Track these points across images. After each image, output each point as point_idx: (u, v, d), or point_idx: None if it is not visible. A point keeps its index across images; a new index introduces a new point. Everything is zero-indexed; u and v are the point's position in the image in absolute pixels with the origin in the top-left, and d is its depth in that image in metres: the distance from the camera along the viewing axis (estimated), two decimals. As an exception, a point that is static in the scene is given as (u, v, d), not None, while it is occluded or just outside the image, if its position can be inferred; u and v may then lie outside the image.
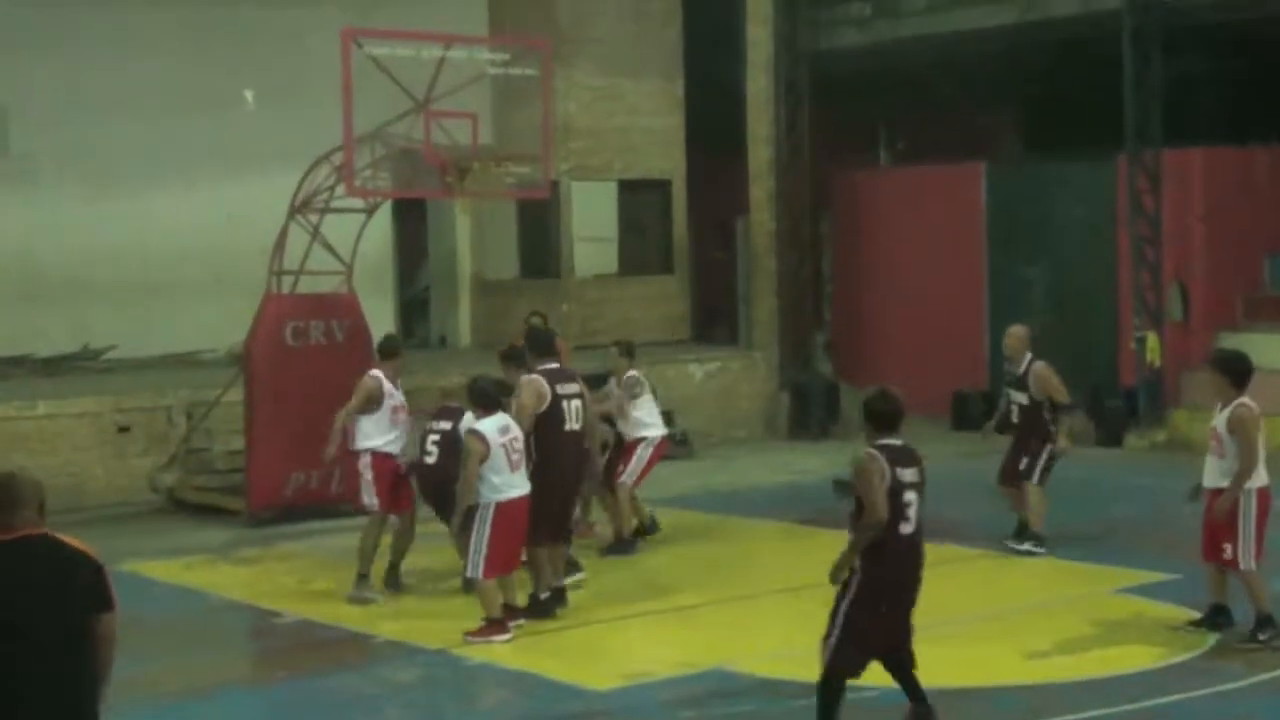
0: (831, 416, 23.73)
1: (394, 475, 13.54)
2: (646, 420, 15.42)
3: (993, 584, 13.93)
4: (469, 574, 12.06)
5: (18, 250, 21.99)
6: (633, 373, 15.49)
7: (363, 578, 13.41)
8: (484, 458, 11.62)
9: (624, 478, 15.16)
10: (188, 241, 22.61)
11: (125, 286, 22.40)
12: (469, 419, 12.23)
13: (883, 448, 9.00)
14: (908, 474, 8.99)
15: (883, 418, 9.12)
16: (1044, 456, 14.83)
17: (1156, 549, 14.86)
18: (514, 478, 11.79)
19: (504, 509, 11.72)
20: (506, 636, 11.82)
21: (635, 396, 15.37)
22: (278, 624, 12.95)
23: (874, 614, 8.98)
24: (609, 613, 12.86)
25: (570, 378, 12.91)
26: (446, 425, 13.28)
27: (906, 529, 8.98)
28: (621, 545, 15.14)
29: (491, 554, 11.71)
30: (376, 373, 13.59)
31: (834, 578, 9.04)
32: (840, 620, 9.00)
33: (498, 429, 11.79)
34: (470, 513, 11.79)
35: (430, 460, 13.38)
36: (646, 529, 15.61)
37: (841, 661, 9.03)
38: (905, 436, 9.16)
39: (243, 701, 11.03)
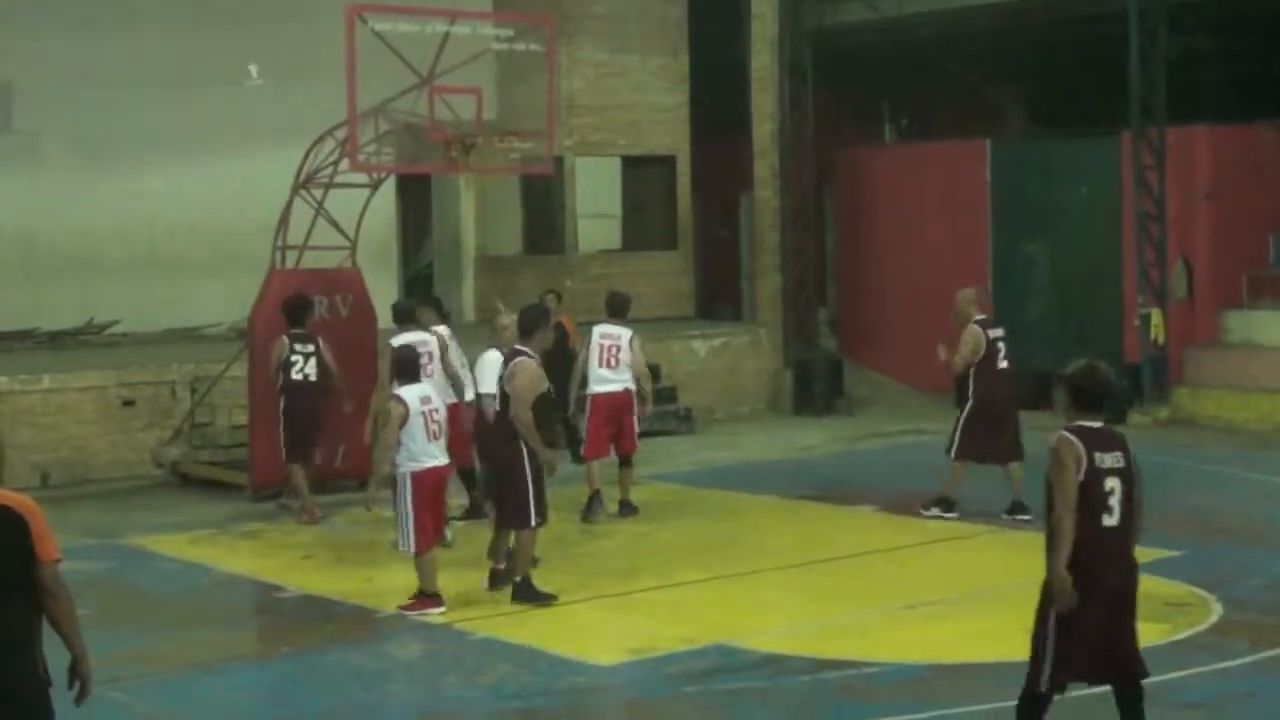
0: (835, 392, 23.74)
1: None
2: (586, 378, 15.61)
3: (997, 559, 13.88)
4: (401, 549, 12.15)
5: (23, 225, 22.01)
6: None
7: None
8: (403, 422, 11.85)
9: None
10: (192, 216, 22.61)
11: (130, 261, 22.44)
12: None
13: (1079, 430, 8.04)
14: (1108, 459, 8.00)
15: (1084, 396, 8.14)
16: (959, 423, 15.01)
17: (1160, 526, 14.83)
18: (431, 447, 11.98)
19: (420, 478, 11.91)
20: (440, 609, 11.93)
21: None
22: (281, 598, 12.97)
23: (1086, 618, 7.95)
24: (612, 588, 12.87)
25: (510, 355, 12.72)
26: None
27: (1109, 521, 7.98)
28: (588, 507, 15.38)
29: (419, 527, 11.89)
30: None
31: (1055, 595, 7.95)
32: (1050, 631, 8.01)
33: (419, 397, 12.04)
34: (389, 481, 12.05)
35: None
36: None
37: (1056, 676, 8.04)
38: (1101, 419, 8.17)
39: (246, 676, 11.05)
